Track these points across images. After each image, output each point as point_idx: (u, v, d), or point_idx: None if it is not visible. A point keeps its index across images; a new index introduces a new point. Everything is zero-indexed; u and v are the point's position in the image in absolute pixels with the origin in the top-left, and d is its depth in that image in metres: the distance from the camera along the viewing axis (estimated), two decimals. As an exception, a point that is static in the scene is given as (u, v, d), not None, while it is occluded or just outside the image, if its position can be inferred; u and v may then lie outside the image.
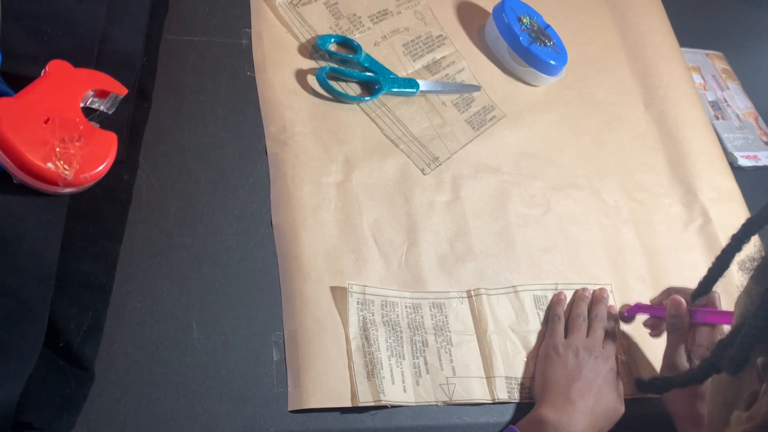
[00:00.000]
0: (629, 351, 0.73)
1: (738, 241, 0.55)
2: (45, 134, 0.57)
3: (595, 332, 0.70)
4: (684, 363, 0.65)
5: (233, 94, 0.74)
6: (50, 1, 0.67)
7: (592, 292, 0.74)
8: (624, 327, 0.74)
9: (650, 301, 0.74)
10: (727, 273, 0.64)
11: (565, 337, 0.70)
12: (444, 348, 0.66)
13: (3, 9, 0.64)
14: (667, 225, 0.85)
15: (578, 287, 0.74)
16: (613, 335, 0.71)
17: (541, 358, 0.68)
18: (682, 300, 0.67)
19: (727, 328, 0.65)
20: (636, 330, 0.74)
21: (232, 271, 0.64)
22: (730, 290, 0.74)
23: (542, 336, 0.71)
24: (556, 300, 0.73)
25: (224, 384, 0.59)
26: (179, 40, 0.75)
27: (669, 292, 0.72)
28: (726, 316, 0.65)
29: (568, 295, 0.74)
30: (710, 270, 0.61)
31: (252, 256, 0.65)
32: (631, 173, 0.87)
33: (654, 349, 0.72)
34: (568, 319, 0.71)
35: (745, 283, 0.44)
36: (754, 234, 0.55)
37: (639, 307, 0.73)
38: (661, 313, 0.70)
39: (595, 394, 0.64)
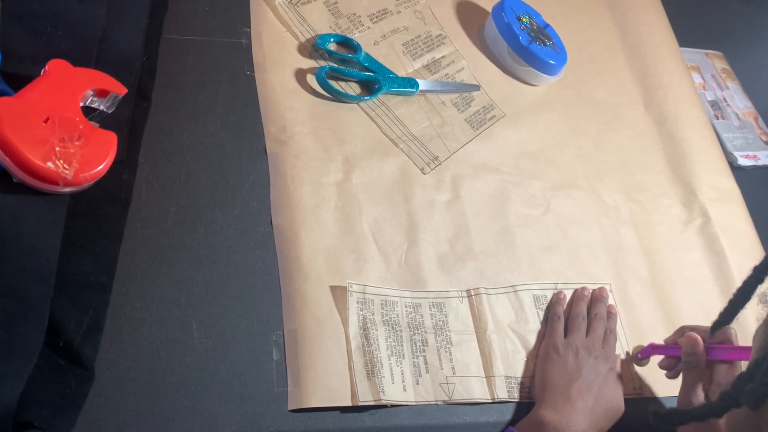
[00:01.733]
0: (643, 383, 0.71)
1: (760, 272, 0.53)
2: (45, 133, 0.57)
3: (594, 331, 0.70)
4: (701, 402, 0.63)
5: (233, 93, 0.74)
6: (50, 1, 0.67)
7: (591, 291, 0.74)
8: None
9: (663, 341, 0.71)
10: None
11: (565, 336, 0.69)
12: (444, 347, 0.66)
13: (3, 9, 0.64)
14: (666, 225, 0.85)
15: (578, 287, 0.74)
16: (614, 334, 0.71)
17: (540, 357, 0.68)
18: (698, 337, 0.64)
19: (745, 364, 0.63)
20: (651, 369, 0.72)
21: (232, 271, 0.64)
22: (742, 322, 0.67)
23: (542, 335, 0.70)
24: (556, 299, 0.72)
25: (224, 383, 0.59)
26: (179, 39, 0.75)
27: (683, 330, 0.69)
28: (743, 351, 0.63)
29: (568, 294, 0.74)
30: (731, 302, 0.59)
31: (252, 256, 0.65)
32: (630, 173, 0.87)
33: (667, 384, 0.70)
34: (567, 318, 0.71)
35: (764, 316, 0.44)
36: None
37: (653, 348, 0.70)
38: (676, 352, 0.67)
39: (595, 393, 0.64)
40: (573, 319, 0.71)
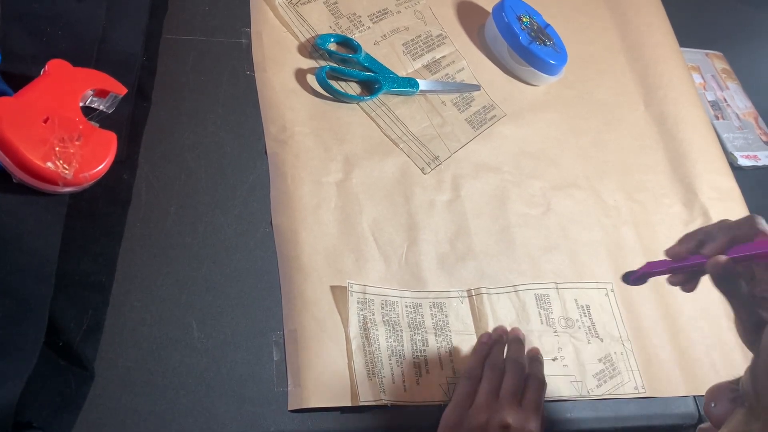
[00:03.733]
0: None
1: None
2: (44, 133, 0.57)
3: (506, 388, 0.57)
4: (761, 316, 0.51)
5: (233, 93, 0.74)
6: (50, 1, 0.67)
7: (500, 330, 0.65)
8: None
9: (665, 253, 0.59)
10: None
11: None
12: (444, 347, 0.66)
13: (3, 9, 0.64)
14: (667, 225, 0.85)
15: (578, 287, 0.74)
16: (539, 379, 0.60)
17: None
18: (725, 259, 0.52)
19: None
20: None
21: (232, 270, 0.64)
22: None
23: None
24: (474, 350, 0.61)
25: (224, 383, 0.59)
26: (179, 39, 0.75)
27: (686, 240, 0.56)
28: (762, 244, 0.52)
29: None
30: None
31: (252, 255, 0.65)
32: (630, 173, 0.87)
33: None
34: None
35: None
36: None
37: (650, 269, 0.59)
38: (681, 264, 0.57)
39: None
40: (484, 377, 0.59)
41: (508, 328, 0.68)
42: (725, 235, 0.53)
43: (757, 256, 0.51)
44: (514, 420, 0.54)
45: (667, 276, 0.59)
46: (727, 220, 0.54)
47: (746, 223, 0.52)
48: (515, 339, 0.63)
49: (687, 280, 0.57)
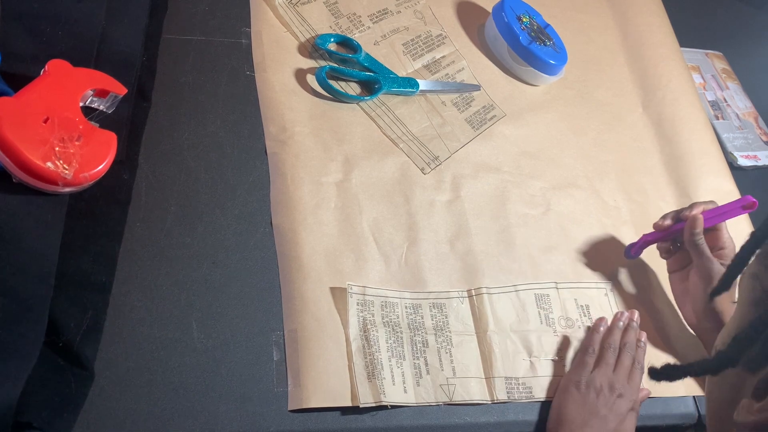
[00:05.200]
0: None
1: (758, 239, 0.53)
2: (44, 133, 0.57)
3: (622, 364, 0.68)
4: (719, 269, 0.69)
5: (233, 93, 0.74)
6: (50, 1, 0.67)
7: (626, 316, 0.73)
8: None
9: (653, 226, 0.75)
10: None
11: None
12: (444, 348, 0.66)
13: (3, 9, 0.64)
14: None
15: (578, 287, 0.74)
16: (640, 366, 0.69)
17: (560, 390, 0.67)
18: (698, 217, 0.70)
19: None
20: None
21: (232, 270, 0.64)
22: None
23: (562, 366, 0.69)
24: (595, 328, 0.71)
25: (224, 383, 0.59)
26: (179, 39, 0.75)
27: (674, 214, 0.74)
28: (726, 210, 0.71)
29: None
30: (729, 267, 0.60)
31: (252, 255, 0.65)
32: (629, 174, 0.87)
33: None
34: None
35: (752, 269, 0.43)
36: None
37: (646, 239, 0.75)
38: (670, 235, 0.74)
39: None
40: (604, 351, 0.69)
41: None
42: (697, 207, 0.72)
43: (722, 215, 0.71)
44: (626, 392, 0.66)
45: (657, 245, 0.76)
46: (698, 201, 0.73)
47: (711, 202, 0.72)
48: (632, 326, 0.72)
49: (669, 250, 0.75)
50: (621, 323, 0.72)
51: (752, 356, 0.39)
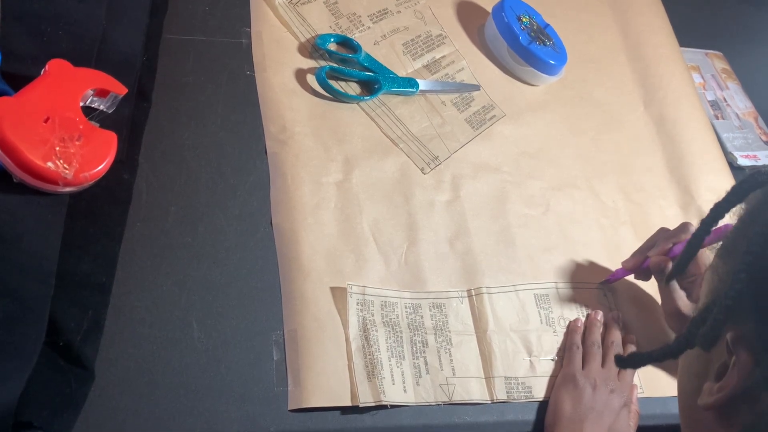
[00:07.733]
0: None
1: (706, 225, 0.55)
2: (45, 133, 0.57)
3: (611, 361, 0.69)
4: (686, 302, 0.69)
5: (233, 93, 0.74)
6: (50, 1, 0.67)
7: (602, 316, 0.73)
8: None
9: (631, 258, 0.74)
10: None
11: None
12: (444, 348, 0.66)
13: (3, 9, 0.64)
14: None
15: (578, 287, 0.74)
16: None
17: (557, 386, 0.67)
18: (664, 259, 0.69)
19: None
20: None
21: (232, 270, 0.64)
22: None
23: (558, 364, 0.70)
24: (573, 327, 0.72)
25: (224, 383, 0.59)
26: (179, 39, 0.75)
27: (654, 241, 0.72)
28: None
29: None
30: (682, 253, 0.62)
31: (252, 255, 0.65)
32: (629, 174, 0.88)
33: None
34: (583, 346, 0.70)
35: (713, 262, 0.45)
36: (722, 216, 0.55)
37: (624, 270, 0.75)
38: (645, 264, 0.73)
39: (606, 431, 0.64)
40: (588, 348, 0.69)
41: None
42: (665, 242, 0.71)
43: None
44: (617, 388, 0.67)
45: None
46: (666, 228, 0.72)
47: (681, 229, 0.71)
48: (616, 325, 0.73)
49: (642, 276, 0.75)
50: (598, 320, 0.72)
51: (704, 333, 0.41)
